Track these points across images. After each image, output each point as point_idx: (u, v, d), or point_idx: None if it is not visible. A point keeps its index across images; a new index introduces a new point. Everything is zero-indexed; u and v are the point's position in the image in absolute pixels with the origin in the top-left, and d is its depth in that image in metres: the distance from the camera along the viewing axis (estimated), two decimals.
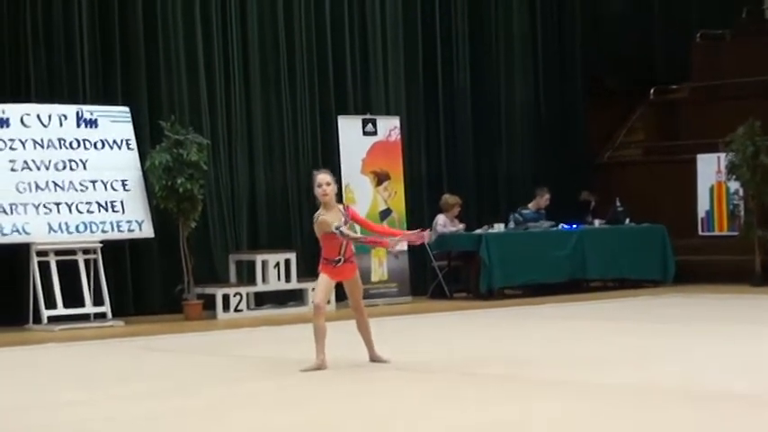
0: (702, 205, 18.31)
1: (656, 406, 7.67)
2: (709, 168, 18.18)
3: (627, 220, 17.85)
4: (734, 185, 17.70)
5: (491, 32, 18.90)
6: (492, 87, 18.92)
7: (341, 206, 9.87)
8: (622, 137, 20.50)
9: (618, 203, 17.91)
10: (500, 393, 8.48)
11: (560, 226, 17.31)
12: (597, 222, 17.75)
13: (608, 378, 8.95)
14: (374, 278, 16.35)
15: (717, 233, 18.19)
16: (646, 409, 7.57)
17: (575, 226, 17.33)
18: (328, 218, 9.62)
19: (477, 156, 18.49)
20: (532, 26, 19.47)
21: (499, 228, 16.81)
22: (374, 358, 9.94)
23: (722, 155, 17.61)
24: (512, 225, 17.13)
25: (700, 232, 18.36)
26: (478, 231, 16.63)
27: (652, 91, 20.18)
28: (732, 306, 15.02)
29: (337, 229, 9.51)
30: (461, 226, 16.89)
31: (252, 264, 15.43)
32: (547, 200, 17.58)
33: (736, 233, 17.70)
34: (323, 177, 9.68)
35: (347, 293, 10.00)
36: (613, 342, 11.49)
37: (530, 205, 17.61)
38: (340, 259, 9.70)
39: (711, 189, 18.24)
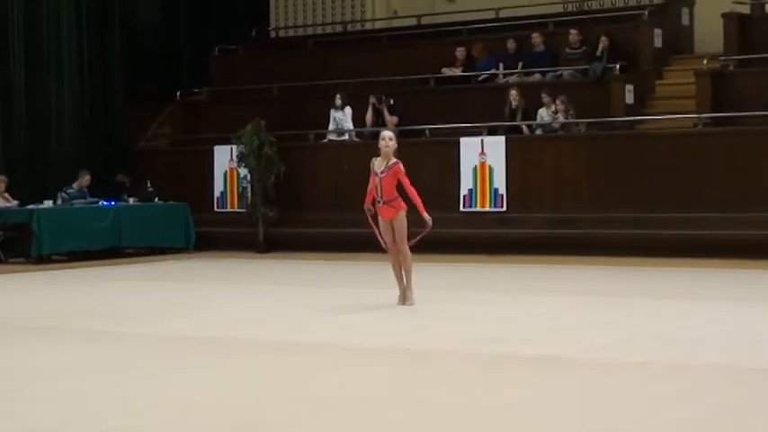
0: (217, 187, 18.62)
1: (214, 351, 8.01)
2: (224, 157, 18.52)
3: (156, 199, 18.09)
4: (243, 171, 18.07)
5: (43, 47, 18.53)
6: (45, 90, 18.58)
7: (393, 160, 9.96)
8: (153, 129, 20.72)
9: (149, 185, 18.14)
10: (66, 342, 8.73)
11: (100, 202, 17.41)
12: (132, 200, 17.92)
13: (156, 328, 9.30)
14: None
15: (229, 209, 18.53)
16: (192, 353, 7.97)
17: (113, 203, 17.51)
18: (375, 164, 10.00)
19: (30, 146, 18.25)
20: (79, 41, 19.18)
21: (48, 204, 16.78)
22: (404, 299, 9.99)
23: (234, 146, 18.10)
24: (59, 202, 17.14)
25: (215, 209, 18.69)
26: (30, 207, 16.49)
27: (178, 93, 20.40)
28: (243, 267, 15.74)
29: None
30: (15, 202, 16.72)
31: None
32: (88, 180, 17.63)
33: (244, 210, 18.10)
34: (385, 133, 10.09)
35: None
36: (153, 297, 11.89)
37: (74, 185, 17.59)
38: (379, 201, 9.90)
39: (225, 174, 18.56)
